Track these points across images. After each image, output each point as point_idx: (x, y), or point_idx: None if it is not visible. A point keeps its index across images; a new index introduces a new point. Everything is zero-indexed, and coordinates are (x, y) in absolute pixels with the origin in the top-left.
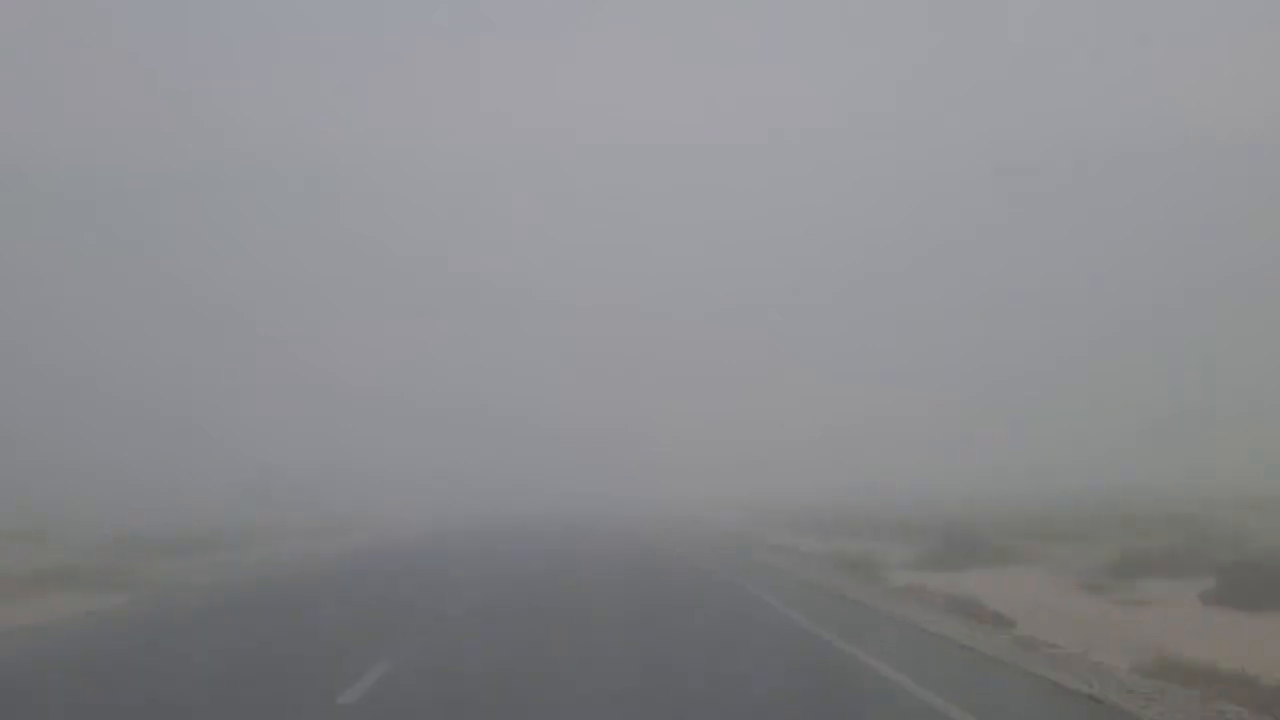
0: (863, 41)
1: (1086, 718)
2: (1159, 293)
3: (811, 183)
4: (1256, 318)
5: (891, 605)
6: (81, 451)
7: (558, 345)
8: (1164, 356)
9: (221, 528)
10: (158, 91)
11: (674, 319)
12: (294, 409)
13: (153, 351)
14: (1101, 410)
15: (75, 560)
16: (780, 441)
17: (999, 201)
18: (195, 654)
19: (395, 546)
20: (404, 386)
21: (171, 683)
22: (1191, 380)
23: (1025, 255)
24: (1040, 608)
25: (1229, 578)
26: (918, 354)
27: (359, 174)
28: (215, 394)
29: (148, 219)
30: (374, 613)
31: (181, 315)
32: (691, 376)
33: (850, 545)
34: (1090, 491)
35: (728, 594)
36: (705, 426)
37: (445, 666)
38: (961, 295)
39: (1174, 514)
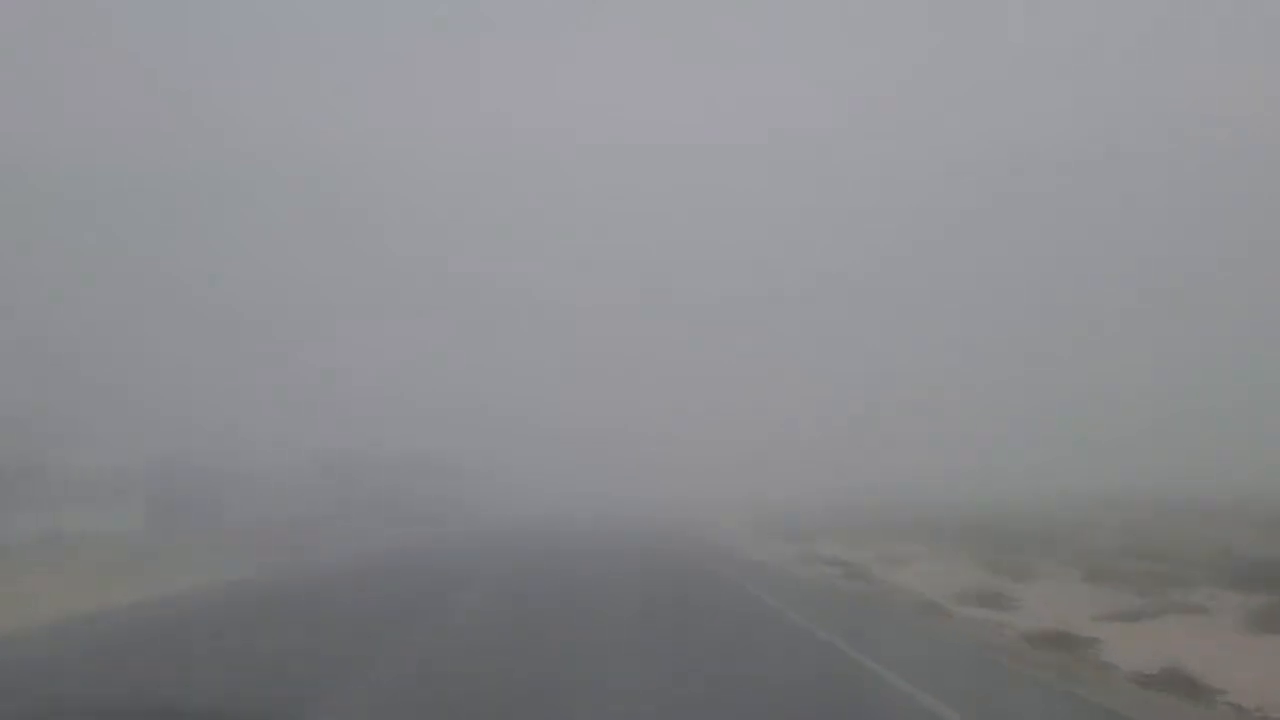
0: (863, 41)
1: None
2: (1156, 293)
3: (811, 182)
4: (1255, 316)
5: None
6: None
7: (558, 345)
8: (1163, 355)
9: None
10: (158, 91)
11: (673, 318)
12: (293, 409)
13: (151, 350)
14: (1100, 410)
15: None
16: (780, 441)
17: (998, 199)
18: None
19: None
20: (403, 386)
21: None
22: (1191, 379)
23: (1025, 254)
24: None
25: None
26: (917, 353)
27: (359, 174)
28: (215, 394)
29: (147, 219)
30: None
31: (179, 314)
32: (691, 376)
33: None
34: (1086, 494)
35: None
36: (705, 426)
37: None
38: (961, 295)
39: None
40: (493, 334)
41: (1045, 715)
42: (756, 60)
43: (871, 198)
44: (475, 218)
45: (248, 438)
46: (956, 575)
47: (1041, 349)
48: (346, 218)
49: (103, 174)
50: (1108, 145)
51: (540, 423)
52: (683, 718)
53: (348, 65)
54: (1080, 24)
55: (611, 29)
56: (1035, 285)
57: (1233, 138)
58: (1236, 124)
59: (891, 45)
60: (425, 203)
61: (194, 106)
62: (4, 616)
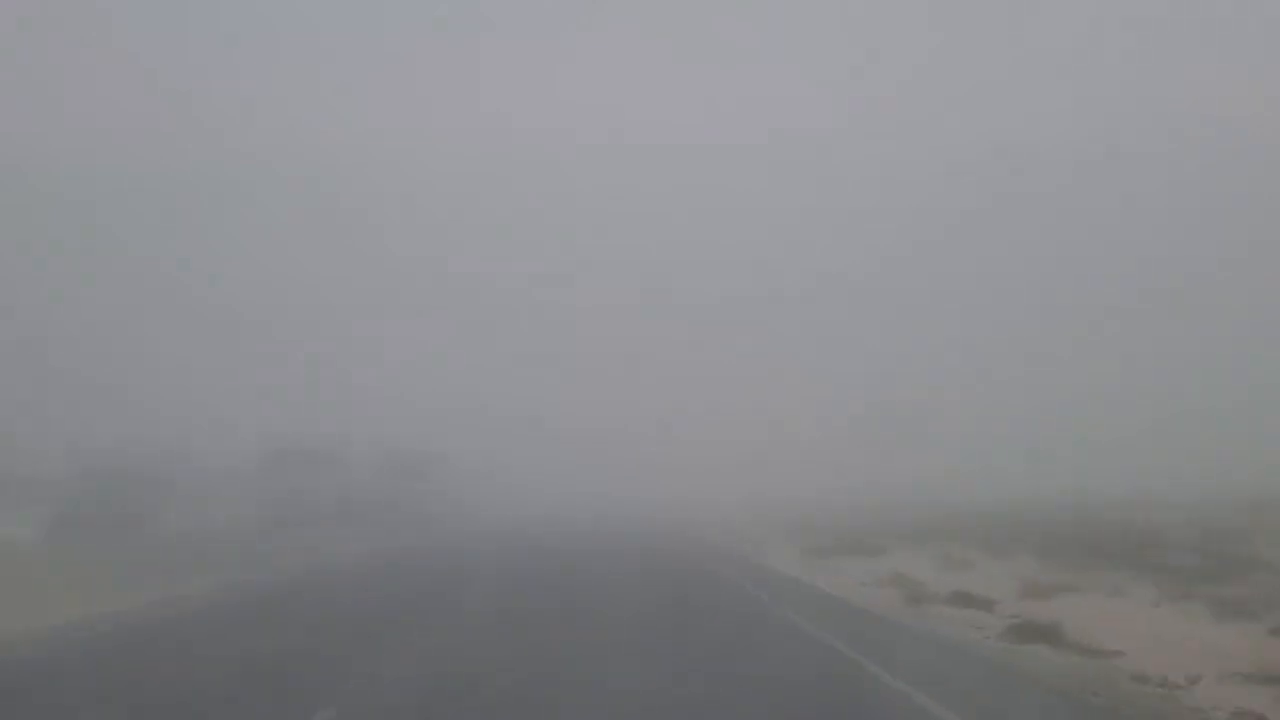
0: (863, 41)
1: None
2: (1156, 293)
3: (812, 182)
4: (1255, 316)
5: None
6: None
7: (558, 345)
8: (1163, 355)
9: None
10: (158, 91)
11: (673, 318)
12: (291, 409)
13: (150, 350)
14: (1100, 410)
15: None
16: (780, 441)
17: (998, 199)
18: None
19: None
20: (403, 385)
21: None
22: (1191, 379)
23: (1025, 254)
24: None
25: None
26: (917, 354)
27: (359, 174)
28: (215, 394)
29: (148, 219)
30: None
31: (180, 315)
32: (691, 376)
33: None
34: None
35: None
36: (705, 426)
37: None
38: (961, 295)
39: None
40: (493, 333)
41: None
42: (756, 60)
43: (871, 198)
44: (475, 218)
45: (245, 437)
46: (1208, 638)
47: (1041, 349)
48: (346, 218)
49: (103, 174)
50: (1108, 145)
51: (540, 422)
52: None
53: (348, 65)
54: (1080, 24)
55: (611, 29)
56: (1035, 285)
57: (1233, 138)
58: (1237, 124)
59: (891, 45)
60: (425, 203)
61: (194, 106)
62: None
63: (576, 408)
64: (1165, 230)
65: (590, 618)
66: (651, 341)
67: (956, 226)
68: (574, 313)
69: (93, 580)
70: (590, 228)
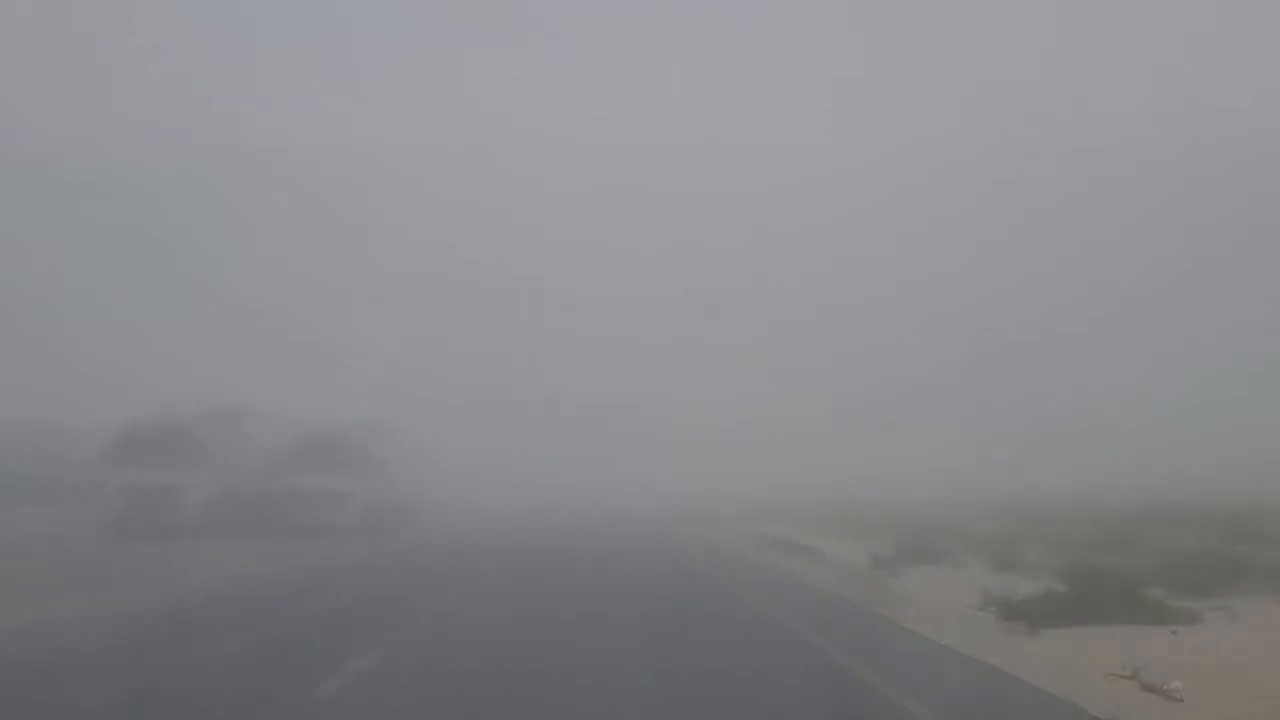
0: (838, 35)
1: None
2: (1155, 292)
3: (804, 172)
4: (1254, 316)
5: None
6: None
7: (556, 334)
8: (1162, 355)
9: None
10: (171, 86)
11: (670, 315)
12: (287, 398)
13: (162, 342)
14: (1098, 410)
15: None
16: (778, 439)
17: (990, 195)
18: None
19: None
20: (401, 372)
21: None
22: (1190, 379)
23: (1024, 254)
24: None
25: None
26: (913, 350)
27: (367, 164)
28: (221, 388)
29: (148, 205)
30: None
31: (188, 306)
32: (690, 371)
33: None
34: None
35: None
36: (705, 424)
37: None
38: (953, 292)
39: None
40: (494, 321)
41: None
42: (755, 52)
43: (864, 186)
44: (482, 202)
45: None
46: None
47: (1038, 348)
48: (351, 204)
49: (118, 169)
50: (1106, 142)
51: (539, 413)
52: None
53: (360, 64)
54: (1080, 18)
55: (618, 20)
56: (1033, 284)
57: (1234, 136)
58: (1238, 122)
59: (873, 42)
60: (431, 188)
61: (200, 90)
62: None
63: (577, 397)
64: (1166, 229)
65: None
66: (646, 334)
67: (950, 223)
68: (575, 300)
69: None
70: (588, 216)
